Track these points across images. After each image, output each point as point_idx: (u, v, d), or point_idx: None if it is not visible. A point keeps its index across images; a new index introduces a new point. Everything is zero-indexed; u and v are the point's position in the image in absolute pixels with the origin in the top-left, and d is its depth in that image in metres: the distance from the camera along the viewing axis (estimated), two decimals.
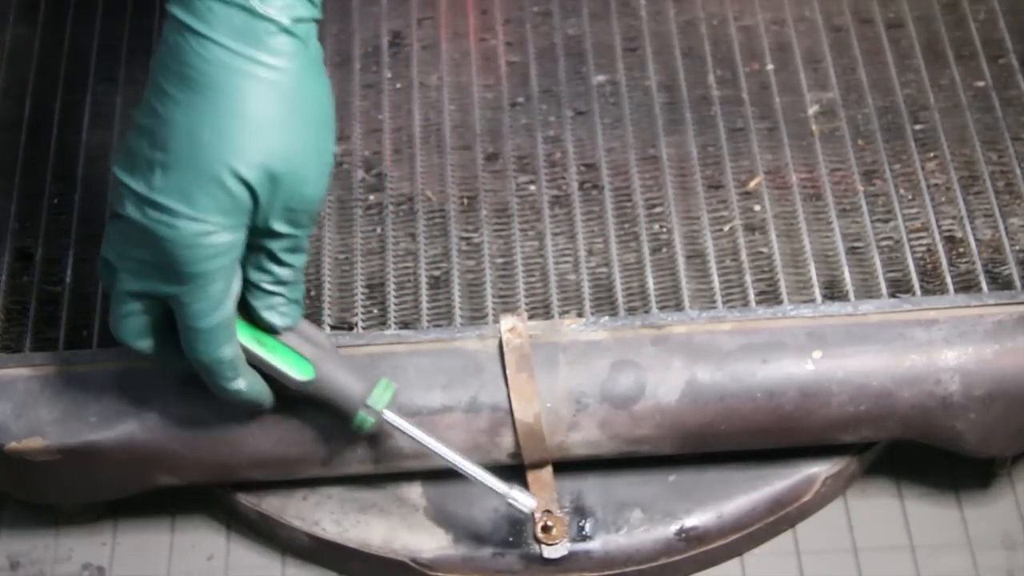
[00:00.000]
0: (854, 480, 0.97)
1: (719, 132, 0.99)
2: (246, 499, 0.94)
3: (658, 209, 0.96)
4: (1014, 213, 0.95)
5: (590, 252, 0.94)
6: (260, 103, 0.76)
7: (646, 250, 0.94)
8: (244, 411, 0.87)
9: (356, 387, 0.84)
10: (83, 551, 0.96)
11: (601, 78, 1.02)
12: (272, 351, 0.83)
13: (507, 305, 0.92)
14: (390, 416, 0.85)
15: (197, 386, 0.84)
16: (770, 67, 1.03)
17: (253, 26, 0.76)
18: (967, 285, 0.92)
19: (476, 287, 0.93)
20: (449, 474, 0.92)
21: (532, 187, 0.98)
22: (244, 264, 0.81)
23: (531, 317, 0.91)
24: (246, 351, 0.83)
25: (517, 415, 0.88)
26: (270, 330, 0.83)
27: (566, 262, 0.94)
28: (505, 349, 0.89)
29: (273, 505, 0.94)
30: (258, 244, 0.80)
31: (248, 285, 0.82)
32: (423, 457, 0.89)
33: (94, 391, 0.89)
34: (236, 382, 0.82)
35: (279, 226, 0.79)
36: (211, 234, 0.77)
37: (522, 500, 0.86)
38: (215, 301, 0.79)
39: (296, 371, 0.84)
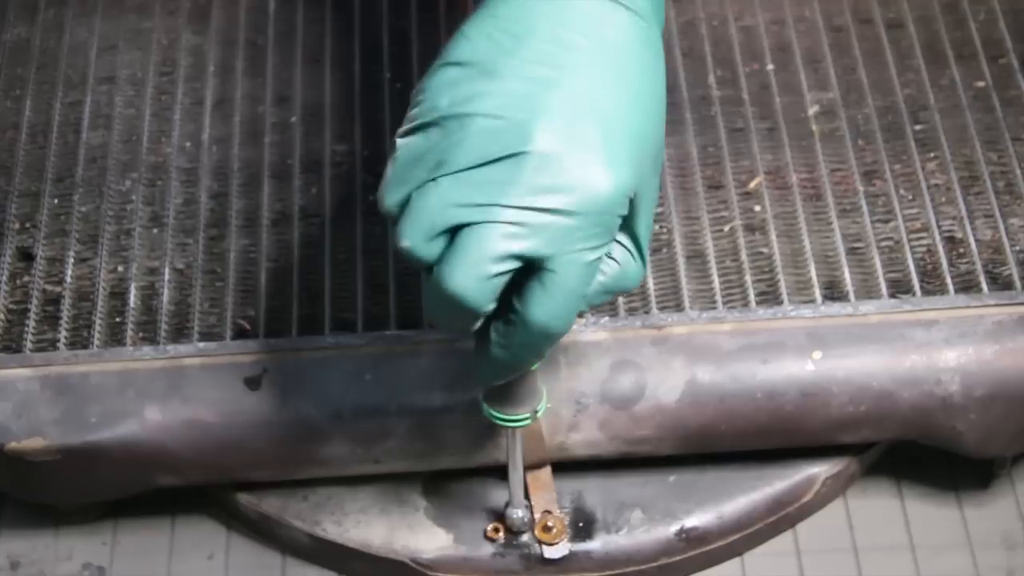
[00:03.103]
0: (854, 480, 0.96)
1: (719, 132, 0.99)
2: (246, 499, 0.94)
3: (658, 209, 0.96)
4: (1014, 213, 0.95)
5: None
6: None
7: None
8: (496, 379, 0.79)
9: (538, 390, 0.81)
10: (83, 551, 0.96)
11: None
12: None
13: None
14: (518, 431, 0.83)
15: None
16: (770, 67, 1.03)
17: None
18: (967, 285, 0.91)
19: None
20: (449, 474, 0.92)
21: None
22: None
23: None
24: None
25: None
26: None
27: None
28: None
29: (273, 505, 0.94)
30: None
31: None
32: (424, 457, 0.89)
33: (94, 391, 0.89)
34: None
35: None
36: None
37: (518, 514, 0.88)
38: (598, 261, 0.72)
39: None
